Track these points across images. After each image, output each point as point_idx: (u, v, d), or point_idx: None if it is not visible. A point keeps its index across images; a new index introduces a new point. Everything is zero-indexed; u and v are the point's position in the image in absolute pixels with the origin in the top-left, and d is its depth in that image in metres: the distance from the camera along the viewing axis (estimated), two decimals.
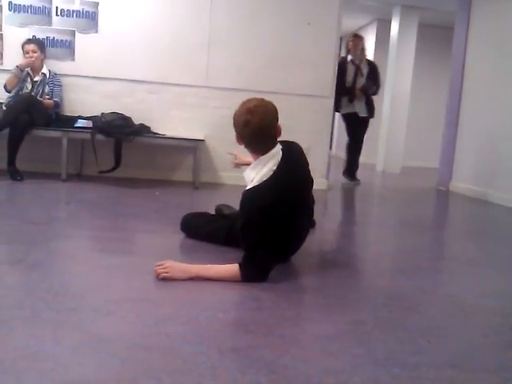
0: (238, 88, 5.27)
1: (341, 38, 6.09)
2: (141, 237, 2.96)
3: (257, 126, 2.25)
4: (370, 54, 10.25)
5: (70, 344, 1.49)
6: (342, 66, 6.03)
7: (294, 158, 2.39)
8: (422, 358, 1.58)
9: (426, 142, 10.01)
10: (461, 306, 2.14)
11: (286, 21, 5.34)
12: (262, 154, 2.32)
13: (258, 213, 2.19)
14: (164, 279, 2.09)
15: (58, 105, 4.90)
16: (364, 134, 6.30)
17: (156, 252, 2.57)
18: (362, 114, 6.09)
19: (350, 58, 6.14)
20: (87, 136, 4.73)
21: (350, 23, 10.50)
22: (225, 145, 5.12)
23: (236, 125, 2.31)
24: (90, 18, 5.09)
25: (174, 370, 1.38)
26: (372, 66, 6.24)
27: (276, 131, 2.34)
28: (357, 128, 6.19)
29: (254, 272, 2.15)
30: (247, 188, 2.30)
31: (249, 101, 2.32)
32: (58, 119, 4.87)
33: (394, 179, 6.12)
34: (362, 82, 6.07)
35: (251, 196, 2.25)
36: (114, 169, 4.78)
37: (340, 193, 5.62)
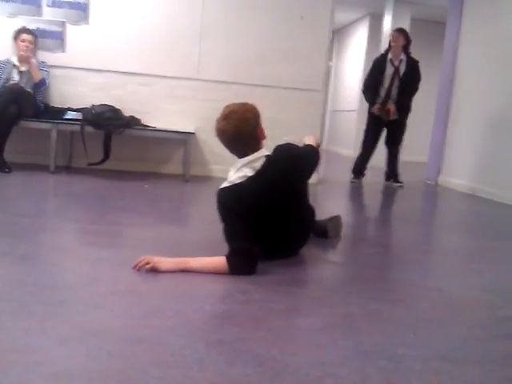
0: (230, 81, 5.26)
1: (333, 33, 6.05)
2: (130, 230, 2.94)
3: (231, 134, 2.26)
4: (362, 49, 10.36)
5: (58, 337, 1.48)
6: (379, 64, 5.74)
7: (278, 168, 2.33)
8: (409, 350, 1.59)
9: (416, 137, 10.05)
10: (448, 299, 2.16)
11: (278, 14, 5.33)
12: (241, 157, 2.32)
13: (227, 211, 2.24)
14: (152, 271, 2.08)
15: (44, 82, 4.79)
16: (395, 137, 5.85)
17: (145, 245, 2.57)
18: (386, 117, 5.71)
19: (390, 56, 5.70)
20: (77, 128, 4.70)
21: (343, 18, 10.51)
22: (215, 138, 5.09)
23: (215, 130, 2.31)
24: (81, 10, 5.04)
25: (161, 363, 1.38)
26: (410, 65, 5.66)
27: (257, 137, 2.33)
28: (377, 131, 5.87)
29: (241, 264, 2.15)
30: (221, 186, 2.31)
31: (227, 106, 2.32)
32: (47, 111, 4.84)
33: (383, 173, 6.14)
34: (396, 85, 5.62)
35: (221, 195, 2.28)
36: (103, 161, 4.76)
37: (330, 187, 5.63)
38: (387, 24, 8.88)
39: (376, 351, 1.57)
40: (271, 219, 2.32)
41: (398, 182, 5.93)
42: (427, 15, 9.53)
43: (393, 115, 5.65)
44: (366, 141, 5.98)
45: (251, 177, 2.27)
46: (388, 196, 5.48)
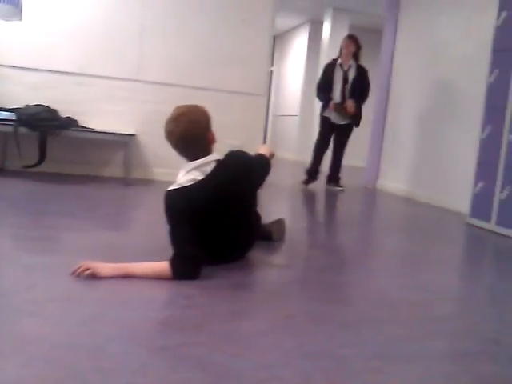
0: (171, 83, 5.21)
1: (274, 38, 6.10)
2: (66, 235, 2.84)
3: (180, 136, 2.24)
4: (303, 55, 10.53)
5: None
6: (328, 69, 5.85)
7: (228, 174, 2.32)
8: (350, 350, 1.63)
9: (354, 141, 10.32)
10: (386, 299, 2.22)
11: (220, 17, 5.34)
12: (191, 160, 2.30)
13: (174, 214, 2.21)
14: (92, 277, 2.02)
15: None
16: (341, 141, 6.00)
17: (82, 251, 2.49)
18: (338, 121, 5.85)
19: (339, 61, 5.85)
20: (10, 129, 4.50)
21: (284, 23, 10.65)
22: (157, 140, 5.01)
23: (164, 132, 2.28)
24: (12, 5, 4.82)
25: (101, 370, 1.34)
26: (360, 71, 5.81)
27: (207, 140, 2.31)
28: (328, 134, 5.96)
29: (185, 268, 2.12)
30: (169, 188, 2.28)
31: (178, 107, 2.29)
32: None
33: (322, 177, 6.27)
34: (347, 89, 5.76)
35: (169, 197, 2.24)
36: (38, 163, 4.59)
37: (273, 191, 5.67)
38: (326, 31, 9.08)
39: (318, 352, 1.59)
40: (218, 224, 2.30)
41: (338, 185, 6.06)
42: (365, 23, 9.81)
43: (350, 109, 5.71)
44: (318, 144, 6.07)
45: (201, 180, 2.25)
46: (329, 200, 5.58)
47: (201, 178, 2.25)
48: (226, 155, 2.40)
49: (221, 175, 2.29)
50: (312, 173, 6.10)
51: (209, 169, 2.28)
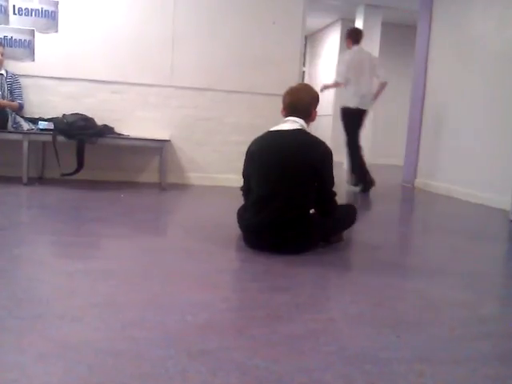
0: (204, 87, 5.24)
1: (306, 38, 6.07)
2: (105, 241, 2.89)
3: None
4: (335, 54, 10.45)
5: (35, 352, 1.44)
6: None
7: (287, 141, 2.71)
8: (392, 353, 1.59)
9: (391, 140, 10.16)
10: (428, 300, 2.17)
11: (251, 20, 5.34)
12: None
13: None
14: None
15: (22, 107, 4.80)
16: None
17: (121, 256, 2.52)
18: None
19: None
20: (48, 138, 4.62)
21: (315, 23, 10.59)
22: (191, 145, 5.08)
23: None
24: (49, 18, 4.97)
25: (142, 375, 1.35)
26: None
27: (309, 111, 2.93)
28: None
29: None
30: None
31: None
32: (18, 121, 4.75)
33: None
34: None
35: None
36: (76, 171, 4.69)
37: None
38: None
39: (360, 355, 1.56)
40: (256, 186, 2.68)
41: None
42: (398, 19, 9.67)
43: None
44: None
45: (269, 131, 2.75)
46: (365, 198, 5.50)
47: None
48: (314, 137, 2.87)
49: (282, 138, 2.70)
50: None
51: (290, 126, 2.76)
